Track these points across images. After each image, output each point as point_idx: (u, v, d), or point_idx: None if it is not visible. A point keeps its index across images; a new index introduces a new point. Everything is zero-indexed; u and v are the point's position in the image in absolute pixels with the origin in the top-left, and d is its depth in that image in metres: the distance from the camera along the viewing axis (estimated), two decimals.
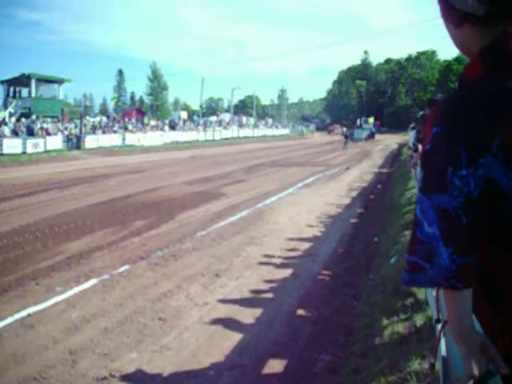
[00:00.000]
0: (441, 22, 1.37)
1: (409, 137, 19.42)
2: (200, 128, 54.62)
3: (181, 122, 54.23)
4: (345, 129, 56.27)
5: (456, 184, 1.12)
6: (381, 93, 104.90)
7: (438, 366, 2.04)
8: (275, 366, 4.58)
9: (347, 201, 14.21)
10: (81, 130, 34.94)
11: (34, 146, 29.69)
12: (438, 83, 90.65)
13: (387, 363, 3.88)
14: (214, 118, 68.16)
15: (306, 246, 8.91)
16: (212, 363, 4.59)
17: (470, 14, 1.22)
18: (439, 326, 1.66)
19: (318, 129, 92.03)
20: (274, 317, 5.71)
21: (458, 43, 1.34)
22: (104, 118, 47.76)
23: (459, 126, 1.13)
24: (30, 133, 31.20)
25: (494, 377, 1.19)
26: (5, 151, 27.43)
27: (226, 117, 72.40)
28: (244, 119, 74.70)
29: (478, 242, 1.17)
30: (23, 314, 5.56)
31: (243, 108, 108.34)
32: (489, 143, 1.11)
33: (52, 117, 37.80)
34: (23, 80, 38.31)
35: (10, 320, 5.39)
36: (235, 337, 5.15)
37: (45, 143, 30.62)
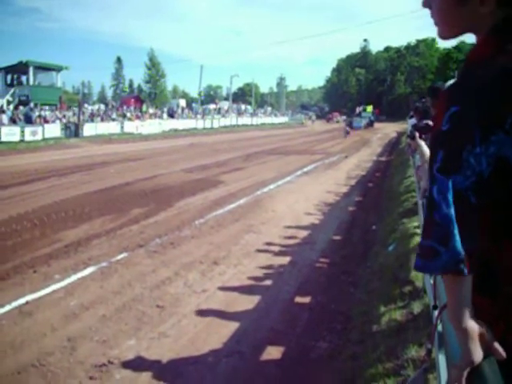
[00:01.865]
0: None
1: (407, 125, 19.40)
2: (199, 116, 54.51)
3: (179, 110, 54.07)
4: (344, 117, 56.74)
5: (471, 163, 1.11)
6: (380, 81, 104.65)
7: (435, 352, 2.04)
8: (273, 352, 4.59)
9: (345, 189, 14.21)
10: (79, 117, 34.83)
11: (32, 133, 29.62)
12: (437, 71, 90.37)
13: (384, 350, 3.90)
14: (212, 106, 68.00)
15: (304, 233, 8.92)
16: (210, 350, 4.60)
17: None
18: (436, 313, 1.65)
19: (317, 117, 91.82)
20: (271, 304, 5.72)
21: (457, 21, 1.31)
22: (102, 106, 47.64)
23: (474, 103, 1.12)
24: (28, 120, 31.09)
25: (490, 363, 1.19)
26: (3, 139, 27.36)
27: (225, 105, 72.18)
28: (243, 107, 74.53)
29: (482, 225, 1.16)
30: (21, 301, 5.56)
31: (242, 96, 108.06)
32: (503, 120, 1.10)
33: (50, 104, 37.61)
34: (21, 67, 38.08)
35: (8, 308, 5.40)
36: (233, 324, 5.16)
37: (43, 131, 30.54)
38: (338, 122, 77.26)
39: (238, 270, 6.89)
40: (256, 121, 66.91)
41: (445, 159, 1.15)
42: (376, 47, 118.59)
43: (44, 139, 30.04)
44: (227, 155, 22.92)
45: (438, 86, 5.10)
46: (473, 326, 1.18)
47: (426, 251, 1.17)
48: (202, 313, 5.43)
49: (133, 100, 54.26)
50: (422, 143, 3.95)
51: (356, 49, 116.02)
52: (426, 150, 3.69)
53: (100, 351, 4.53)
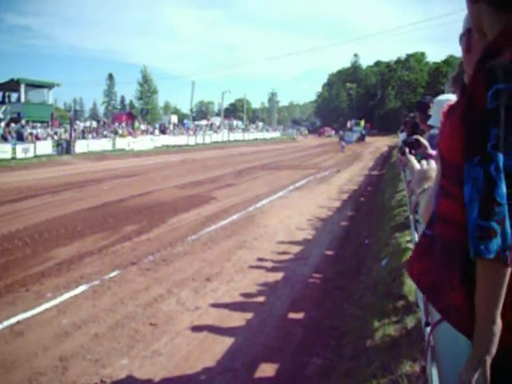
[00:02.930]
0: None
1: (399, 139, 19.47)
2: (190, 132, 54.62)
3: (171, 126, 54.17)
4: (341, 132, 57.63)
5: None
6: (371, 95, 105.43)
7: (428, 368, 2.04)
8: (267, 369, 4.57)
9: (338, 204, 14.24)
10: (71, 134, 34.77)
11: (24, 151, 29.54)
12: (427, 85, 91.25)
13: (378, 366, 3.89)
14: (204, 122, 68.18)
15: (297, 249, 8.92)
16: (204, 368, 4.58)
17: None
18: (428, 330, 1.66)
19: (309, 131, 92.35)
20: (265, 320, 5.71)
21: (474, 19, 1.39)
22: (94, 123, 47.60)
23: None
24: (20, 138, 31.01)
25: None
26: None
27: (217, 120, 72.44)
28: (234, 123, 74.81)
29: None
30: (13, 320, 5.52)
31: (234, 111, 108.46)
32: None
33: (42, 122, 37.57)
34: (12, 85, 38.11)
35: None
36: (227, 341, 5.14)
37: (34, 148, 30.48)
38: (329, 136, 77.73)
39: (231, 286, 6.87)
40: (248, 136, 67.07)
41: (499, 136, 1.16)
42: (366, 62, 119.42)
43: (36, 156, 29.98)
44: (219, 171, 22.94)
45: (426, 100, 5.15)
46: (500, 325, 1.18)
47: (486, 233, 1.15)
48: (195, 330, 5.41)
49: (124, 116, 54.32)
50: (412, 158, 3.98)
51: (347, 64, 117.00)
52: (416, 165, 3.72)
53: (92, 370, 4.49)
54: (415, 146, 4.01)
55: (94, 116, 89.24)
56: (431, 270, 1.42)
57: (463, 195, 1.21)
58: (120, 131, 42.64)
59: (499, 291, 1.17)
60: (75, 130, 36.92)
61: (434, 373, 1.84)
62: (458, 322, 1.24)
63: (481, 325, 1.20)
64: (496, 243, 1.13)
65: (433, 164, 1.99)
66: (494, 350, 1.18)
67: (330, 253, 8.83)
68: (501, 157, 1.15)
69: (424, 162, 2.00)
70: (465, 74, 1.75)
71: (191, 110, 70.11)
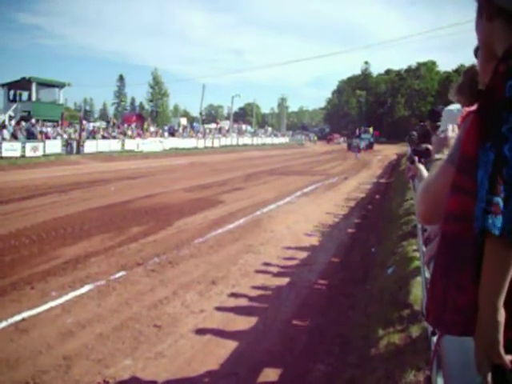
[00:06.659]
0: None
1: (407, 147, 19.38)
2: (199, 135, 54.74)
3: (180, 129, 54.31)
4: (349, 139, 57.74)
5: None
6: (380, 103, 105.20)
7: (433, 378, 2.02)
8: (270, 375, 4.56)
9: (345, 210, 14.21)
10: (80, 134, 34.91)
11: (33, 149, 29.68)
12: (437, 94, 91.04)
13: (382, 374, 3.87)
14: (213, 126, 68.30)
15: (303, 254, 8.90)
16: (207, 371, 4.57)
17: (504, 10, 1.27)
18: (435, 339, 1.65)
19: (318, 138, 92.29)
20: (269, 325, 5.69)
21: (485, 39, 1.39)
22: (103, 123, 47.76)
23: None
24: (30, 136, 31.16)
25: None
26: (4, 154, 27.41)
27: (226, 124, 72.55)
28: (243, 127, 74.91)
29: None
30: (17, 318, 5.54)
31: (243, 116, 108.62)
32: None
33: (51, 121, 37.79)
34: (24, 83, 38.35)
35: (4, 324, 5.37)
36: (230, 345, 5.12)
37: (44, 147, 30.63)
38: (338, 143, 77.61)
39: (236, 290, 6.86)
40: (256, 141, 67.15)
41: None
42: (377, 69, 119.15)
43: (45, 155, 30.11)
44: (227, 175, 22.96)
45: (438, 109, 5.13)
46: (503, 313, 1.17)
47: (494, 207, 1.14)
48: (199, 333, 5.40)
49: (134, 118, 54.34)
50: (422, 167, 3.96)
51: (357, 71, 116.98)
52: (426, 174, 3.70)
53: (96, 370, 4.49)
54: (425, 155, 3.99)
55: (103, 117, 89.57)
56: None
57: (477, 186, 1.21)
58: (129, 132, 42.79)
59: (505, 271, 1.15)
60: (84, 129, 37.06)
61: (439, 382, 1.83)
62: (464, 325, 1.23)
63: (484, 310, 1.18)
64: (500, 222, 1.12)
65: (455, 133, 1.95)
66: (500, 337, 1.17)
67: (335, 260, 8.80)
68: None
69: (450, 128, 1.95)
70: (479, 85, 1.73)
71: (201, 113, 70.22)
